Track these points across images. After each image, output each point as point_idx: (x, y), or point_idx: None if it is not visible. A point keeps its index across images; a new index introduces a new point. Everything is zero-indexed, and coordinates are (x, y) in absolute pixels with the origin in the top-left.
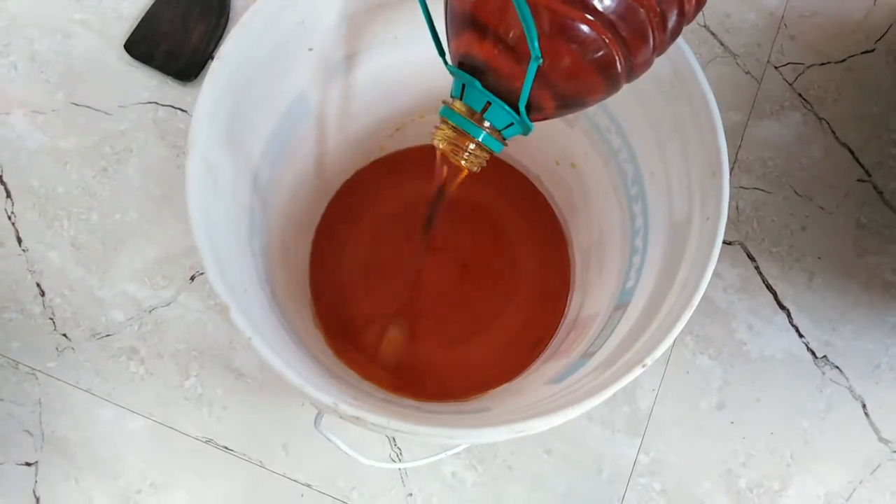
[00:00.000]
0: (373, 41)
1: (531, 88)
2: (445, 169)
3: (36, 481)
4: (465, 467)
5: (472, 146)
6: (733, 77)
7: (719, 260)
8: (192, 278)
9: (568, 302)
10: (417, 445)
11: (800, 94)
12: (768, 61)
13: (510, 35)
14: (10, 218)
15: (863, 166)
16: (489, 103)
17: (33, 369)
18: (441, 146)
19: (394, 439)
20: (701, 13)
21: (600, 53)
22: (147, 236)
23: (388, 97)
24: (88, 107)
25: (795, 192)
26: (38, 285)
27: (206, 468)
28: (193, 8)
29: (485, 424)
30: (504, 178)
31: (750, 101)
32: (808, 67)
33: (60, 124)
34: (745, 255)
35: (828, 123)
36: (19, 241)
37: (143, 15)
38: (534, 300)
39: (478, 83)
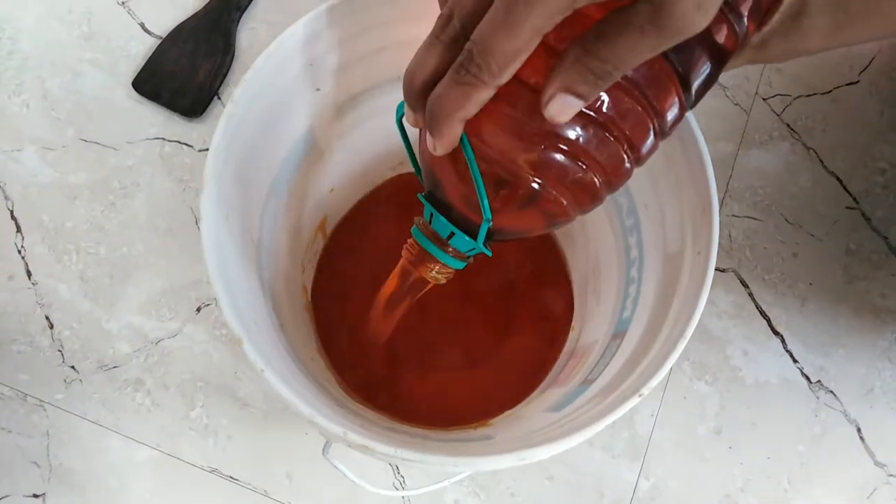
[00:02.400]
0: (378, 80)
1: (490, 227)
2: (412, 277)
3: None
4: (467, 494)
5: (437, 266)
6: (723, 109)
7: (713, 287)
8: (198, 309)
9: (569, 329)
10: (421, 473)
11: (788, 125)
12: (756, 93)
13: (465, 191)
14: (20, 252)
15: (850, 194)
16: (453, 233)
17: (41, 401)
18: (408, 261)
19: (397, 467)
20: None
21: (551, 211)
22: (153, 269)
23: (390, 133)
24: (97, 143)
25: (786, 219)
26: (46, 318)
27: (212, 498)
28: (199, 47)
29: (489, 453)
30: None
31: (740, 131)
32: (795, 99)
33: (70, 160)
34: (738, 281)
35: (815, 153)
36: (29, 274)
37: (150, 54)
38: (535, 327)
39: (441, 218)
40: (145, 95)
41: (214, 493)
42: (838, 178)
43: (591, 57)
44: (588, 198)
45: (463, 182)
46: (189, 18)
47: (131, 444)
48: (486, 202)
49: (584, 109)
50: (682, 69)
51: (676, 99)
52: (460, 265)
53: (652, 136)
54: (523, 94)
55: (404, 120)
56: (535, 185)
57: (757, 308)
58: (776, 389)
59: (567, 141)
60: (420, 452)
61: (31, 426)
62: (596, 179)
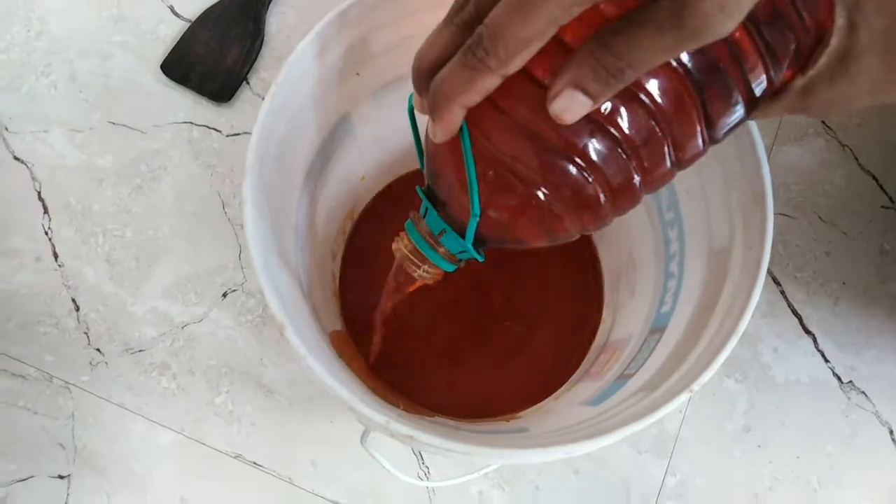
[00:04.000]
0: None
1: (479, 230)
2: (402, 273)
3: (68, 494)
4: (492, 486)
5: (426, 265)
6: None
7: None
8: (224, 295)
9: (599, 323)
10: (445, 464)
11: (823, 121)
12: None
13: (460, 186)
14: (47, 233)
15: (886, 193)
16: (444, 230)
17: (67, 383)
18: (398, 255)
19: (422, 458)
20: None
21: (546, 222)
22: (179, 253)
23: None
24: (125, 125)
25: (819, 217)
26: (73, 300)
27: (235, 484)
28: (229, 31)
29: (533, 446)
30: None
31: (774, 127)
32: None
33: (97, 142)
34: (770, 279)
35: (851, 150)
36: (55, 256)
37: (179, 37)
38: (564, 321)
39: (434, 212)
40: (174, 79)
41: (238, 478)
42: (874, 177)
43: (605, 51)
44: (590, 214)
45: (459, 176)
46: (219, 2)
47: (156, 427)
48: (476, 197)
49: (596, 118)
50: (708, 104)
51: (699, 133)
52: (449, 267)
53: (668, 164)
54: (531, 91)
55: (416, 110)
56: (532, 191)
57: (789, 306)
58: (806, 389)
59: (573, 147)
60: (466, 444)
61: (56, 408)
62: (601, 195)
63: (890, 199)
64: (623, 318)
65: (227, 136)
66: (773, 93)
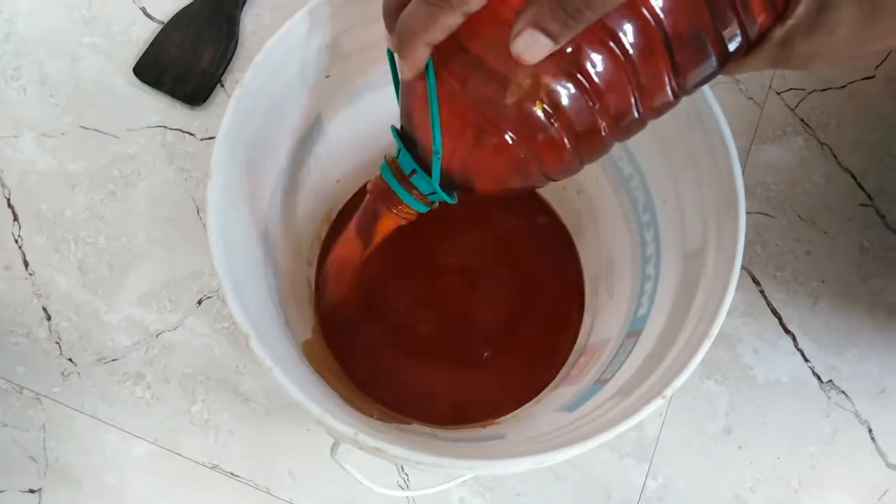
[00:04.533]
0: (388, 68)
1: (446, 170)
2: (376, 213)
3: None
4: (473, 494)
5: (399, 205)
6: (736, 102)
7: None
8: (199, 302)
9: (580, 326)
10: (424, 473)
11: (802, 120)
12: (770, 87)
13: (427, 123)
14: (17, 241)
15: (865, 191)
16: (415, 170)
17: (38, 394)
18: (372, 195)
19: (401, 466)
20: None
21: (511, 163)
22: (154, 260)
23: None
24: (97, 130)
25: (799, 216)
26: (44, 309)
27: (212, 494)
28: (203, 32)
29: (505, 456)
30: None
31: (753, 126)
32: (809, 93)
33: (69, 147)
34: (750, 279)
35: (829, 148)
36: (26, 264)
37: (152, 39)
38: (545, 323)
39: (406, 152)
40: (147, 82)
41: (215, 489)
42: (853, 175)
43: None
44: (554, 158)
45: (426, 114)
46: (192, 3)
47: (130, 438)
48: (438, 134)
49: (560, 61)
50: (677, 52)
51: (667, 82)
52: (422, 208)
53: (635, 112)
54: (496, 30)
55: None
56: (495, 131)
57: (768, 306)
58: (787, 389)
59: (536, 89)
60: (434, 455)
61: (27, 420)
62: (565, 140)
63: (869, 196)
64: (602, 321)
65: (202, 139)
66: (750, 44)
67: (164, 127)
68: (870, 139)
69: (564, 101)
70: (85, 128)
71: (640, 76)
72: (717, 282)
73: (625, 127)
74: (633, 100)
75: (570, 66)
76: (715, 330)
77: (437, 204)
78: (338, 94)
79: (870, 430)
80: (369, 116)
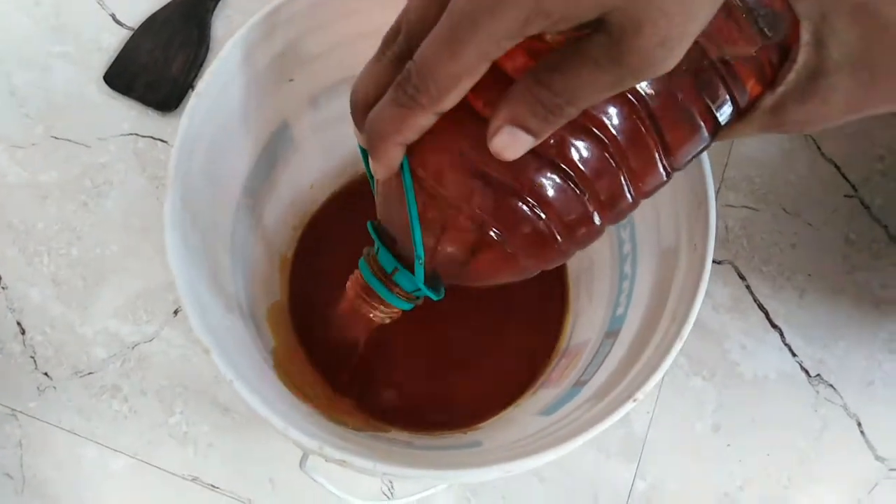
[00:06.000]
0: (355, 70)
1: (431, 269)
2: (357, 315)
3: None
4: (458, 499)
5: (381, 305)
6: None
7: (710, 279)
8: (176, 312)
9: (564, 328)
10: (407, 479)
11: None
12: None
13: (406, 223)
14: None
15: (849, 182)
16: (397, 269)
17: (14, 410)
18: (350, 294)
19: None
20: None
21: (500, 261)
22: (128, 270)
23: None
24: (68, 140)
25: (783, 209)
26: (18, 323)
27: None
28: (173, 39)
29: (474, 465)
30: None
31: None
32: None
33: (40, 158)
34: (735, 273)
35: (812, 139)
36: None
37: (122, 46)
38: (529, 327)
39: (385, 250)
40: (117, 90)
41: (195, 502)
42: (836, 166)
43: (542, 87)
44: (546, 251)
45: (405, 214)
46: (162, 8)
47: (108, 452)
48: (418, 238)
49: (544, 153)
50: (666, 133)
51: (658, 162)
52: (406, 306)
53: (628, 197)
54: (473, 126)
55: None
56: (481, 230)
57: (755, 301)
58: (775, 384)
59: (520, 184)
60: (400, 466)
61: (3, 436)
62: (555, 233)
63: (853, 187)
64: (582, 322)
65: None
66: (741, 113)
67: (136, 134)
68: (853, 130)
69: (550, 192)
70: (56, 138)
71: (630, 160)
72: (689, 281)
73: (619, 211)
74: (624, 184)
75: (554, 156)
76: (685, 332)
77: (420, 300)
78: (303, 98)
79: (859, 424)
80: (337, 120)
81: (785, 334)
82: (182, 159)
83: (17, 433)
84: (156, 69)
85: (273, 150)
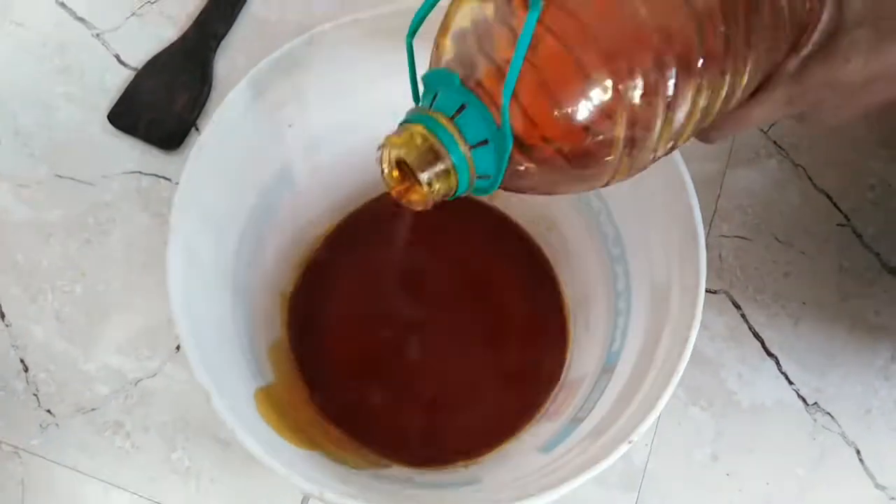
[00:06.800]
0: (355, 113)
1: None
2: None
3: None
4: None
5: (438, 167)
6: None
7: (705, 309)
8: (178, 347)
9: (564, 361)
10: None
11: (775, 142)
12: None
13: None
14: None
15: (841, 211)
16: (464, 105)
17: (16, 448)
18: (393, 153)
19: None
20: None
21: (601, 110)
22: (131, 307)
23: (368, 162)
24: (72, 178)
25: (776, 238)
26: (21, 361)
27: None
28: (176, 78)
29: None
30: (498, 227)
31: (727, 150)
32: None
33: (44, 197)
34: (730, 303)
35: (804, 170)
36: (2, 315)
37: (125, 86)
38: (527, 361)
39: (456, 78)
40: (121, 128)
41: None
42: (828, 195)
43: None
44: (647, 122)
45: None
46: (165, 49)
47: (110, 489)
48: (519, 61)
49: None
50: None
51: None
52: (465, 173)
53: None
54: None
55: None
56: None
57: (750, 329)
58: (772, 413)
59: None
60: None
61: (5, 475)
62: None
63: (845, 216)
64: (580, 356)
65: (177, 184)
66: (766, 76)
67: (140, 172)
68: (843, 159)
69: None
70: (60, 176)
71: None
72: (682, 318)
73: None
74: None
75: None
76: (679, 370)
77: (471, 184)
78: (302, 142)
79: (857, 452)
80: (336, 162)
81: (781, 363)
82: (184, 203)
83: (20, 471)
84: (159, 108)
85: (274, 192)
